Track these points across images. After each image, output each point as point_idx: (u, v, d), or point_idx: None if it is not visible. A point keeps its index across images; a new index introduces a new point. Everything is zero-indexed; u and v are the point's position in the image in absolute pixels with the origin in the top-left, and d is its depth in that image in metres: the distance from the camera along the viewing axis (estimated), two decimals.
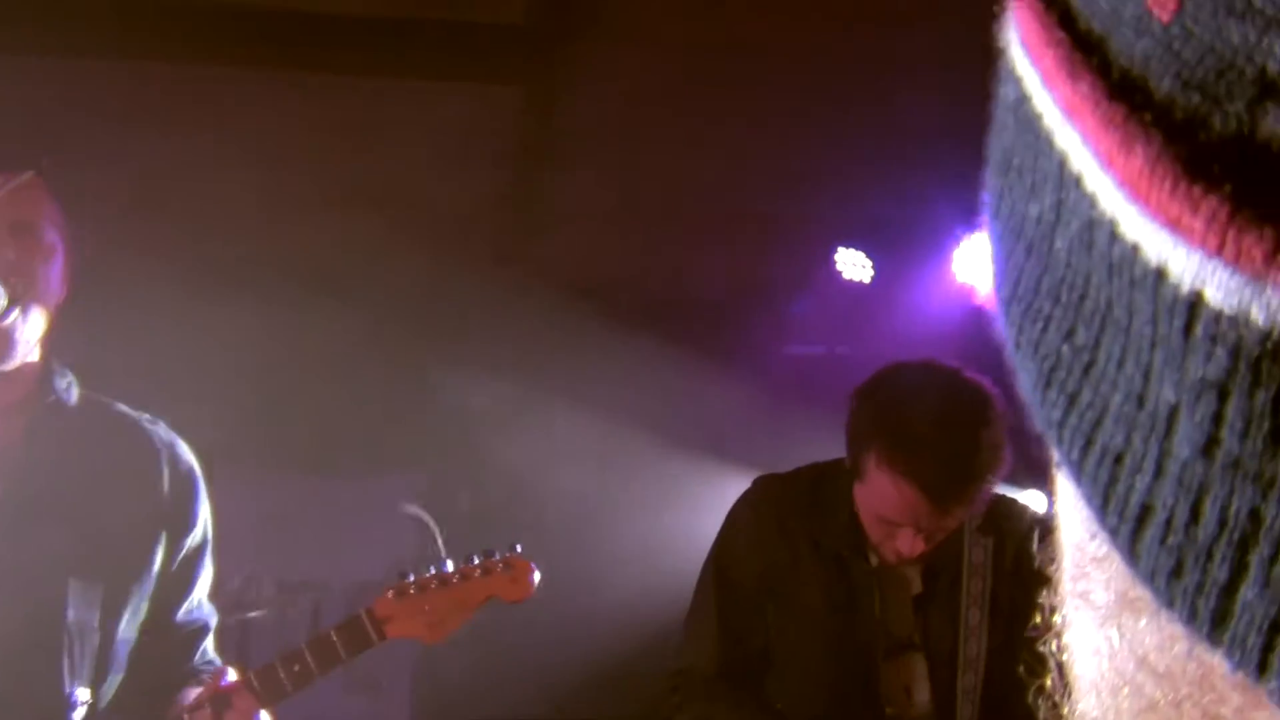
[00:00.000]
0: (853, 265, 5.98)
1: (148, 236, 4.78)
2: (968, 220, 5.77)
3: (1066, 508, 0.39)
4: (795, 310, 6.04)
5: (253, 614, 4.96)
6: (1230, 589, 0.30)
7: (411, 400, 5.69)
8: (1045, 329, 0.35)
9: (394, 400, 5.65)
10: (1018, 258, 0.37)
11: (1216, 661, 0.33)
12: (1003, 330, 0.38)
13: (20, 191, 2.39)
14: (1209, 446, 0.30)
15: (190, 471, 2.65)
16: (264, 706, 2.52)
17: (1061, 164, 0.34)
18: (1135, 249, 0.31)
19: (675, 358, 5.62)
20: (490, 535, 5.60)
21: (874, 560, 2.84)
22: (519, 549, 2.76)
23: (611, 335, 5.58)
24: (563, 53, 4.67)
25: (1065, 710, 0.44)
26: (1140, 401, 0.32)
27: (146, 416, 2.67)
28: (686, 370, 5.69)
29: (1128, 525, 0.32)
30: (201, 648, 2.69)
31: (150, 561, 2.55)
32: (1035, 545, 2.78)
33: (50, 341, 2.52)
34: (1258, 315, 0.29)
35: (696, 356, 5.67)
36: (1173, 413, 0.31)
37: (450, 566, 2.71)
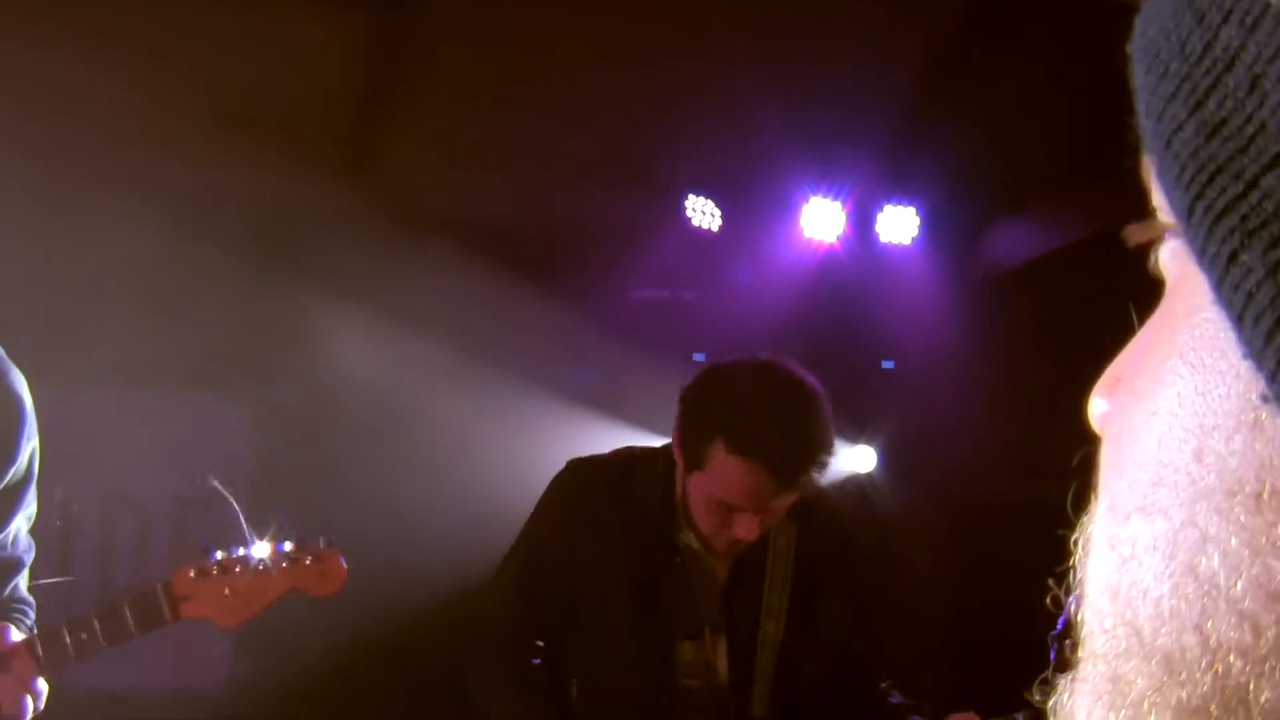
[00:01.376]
0: (702, 213, 6.03)
1: None
2: (815, 179, 5.86)
3: (1203, 425, 0.37)
4: (643, 254, 6.08)
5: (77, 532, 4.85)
6: None
7: (242, 316, 5.60)
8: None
9: (223, 315, 5.55)
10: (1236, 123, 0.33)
11: None
12: (1186, 233, 0.35)
13: None
14: None
15: (18, 401, 2.50)
16: (42, 673, 2.39)
17: None
18: None
19: (518, 293, 5.62)
20: (320, 455, 5.62)
21: (680, 557, 3.01)
22: (332, 540, 2.61)
23: (456, 266, 5.55)
24: None
25: (1072, 610, 0.44)
26: None
27: None
28: (529, 306, 5.69)
29: None
30: (13, 583, 2.54)
31: None
32: (840, 559, 3.08)
33: None
34: None
35: (541, 293, 5.68)
36: None
37: (263, 550, 2.55)
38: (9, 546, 2.53)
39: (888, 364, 6.46)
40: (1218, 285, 0.34)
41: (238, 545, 2.53)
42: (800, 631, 3.01)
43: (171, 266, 5.23)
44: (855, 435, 6.21)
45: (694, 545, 3.02)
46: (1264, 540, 0.35)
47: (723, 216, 6.02)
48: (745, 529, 2.83)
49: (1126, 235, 0.42)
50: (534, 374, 5.62)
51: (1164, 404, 0.39)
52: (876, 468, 6.31)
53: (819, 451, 2.80)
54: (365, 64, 5.15)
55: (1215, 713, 0.36)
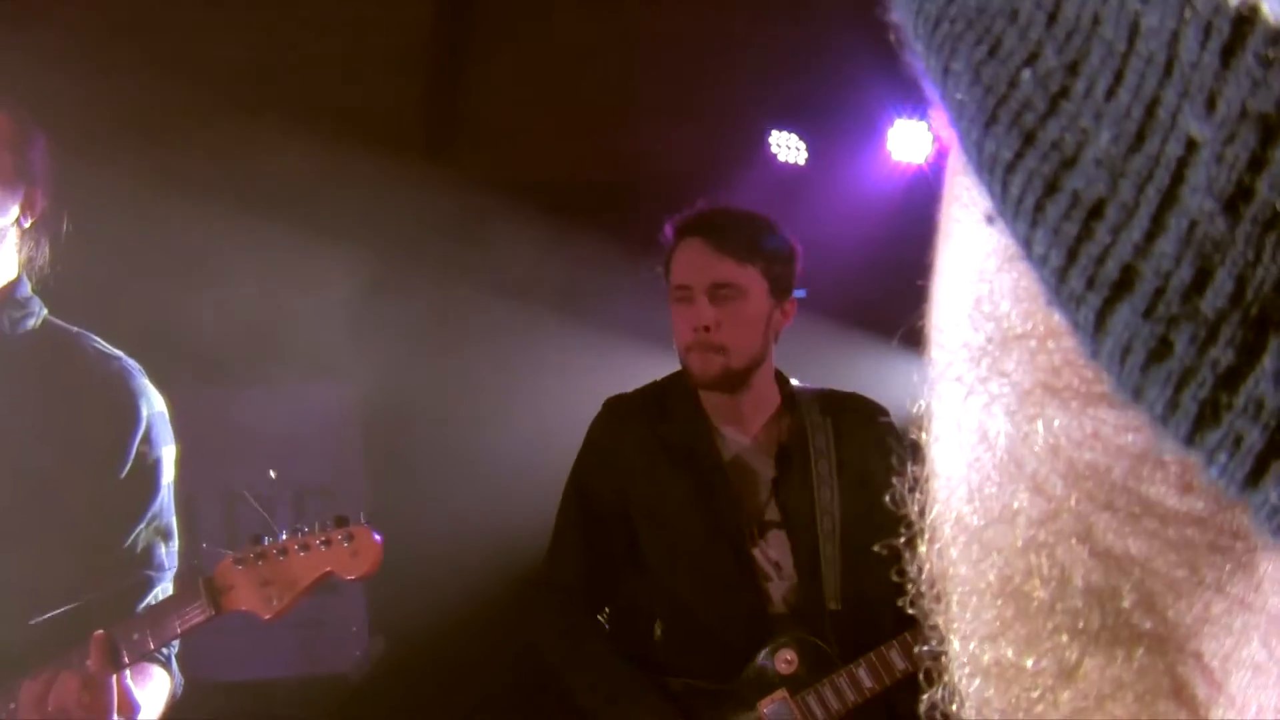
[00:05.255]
0: (787, 148, 5.96)
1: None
2: (900, 100, 5.76)
3: (977, 271, 0.34)
4: (730, 197, 6.02)
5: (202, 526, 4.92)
6: (1233, 378, 0.25)
7: (348, 303, 5.64)
8: (993, 52, 0.29)
9: (331, 305, 5.59)
10: None
11: (1170, 465, 0.30)
12: (916, 54, 0.32)
13: None
14: (1236, 198, 0.25)
15: (134, 409, 2.55)
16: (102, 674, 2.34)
17: None
18: None
19: (612, 246, 5.59)
20: (426, 434, 5.64)
21: (726, 454, 3.14)
22: (362, 519, 2.49)
23: (542, 226, 5.54)
24: None
25: (913, 509, 0.41)
26: (1138, 140, 0.27)
27: (119, 354, 2.60)
28: (624, 258, 5.66)
29: (1098, 292, 0.27)
30: (143, 603, 2.52)
31: (86, 503, 2.48)
32: (875, 435, 3.15)
33: (29, 268, 2.55)
34: None
35: (633, 244, 5.65)
36: (1187, 154, 0.26)
37: (295, 533, 2.46)
38: (135, 558, 2.54)
39: None
40: (942, 104, 0.31)
41: (283, 531, 2.46)
42: (857, 522, 3.07)
43: (276, 264, 5.27)
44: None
45: (738, 443, 3.16)
46: (1029, 385, 0.32)
47: (808, 149, 5.95)
48: (701, 311, 3.02)
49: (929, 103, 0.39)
50: (630, 327, 5.60)
51: (949, 258, 0.37)
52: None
53: (753, 230, 3.10)
54: (428, 35, 5.14)
55: (1016, 590, 0.34)
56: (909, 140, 5.88)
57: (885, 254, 6.01)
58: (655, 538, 3.13)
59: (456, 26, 5.08)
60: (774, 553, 3.09)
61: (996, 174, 0.29)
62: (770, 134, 5.93)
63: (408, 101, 5.59)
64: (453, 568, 5.33)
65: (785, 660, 3.00)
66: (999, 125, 0.29)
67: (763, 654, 3.02)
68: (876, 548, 0.48)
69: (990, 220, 0.32)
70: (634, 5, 4.95)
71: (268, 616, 2.42)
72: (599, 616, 3.19)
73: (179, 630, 2.40)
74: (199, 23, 4.81)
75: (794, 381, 3.31)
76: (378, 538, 2.46)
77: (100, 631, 2.34)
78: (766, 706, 2.99)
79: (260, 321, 5.24)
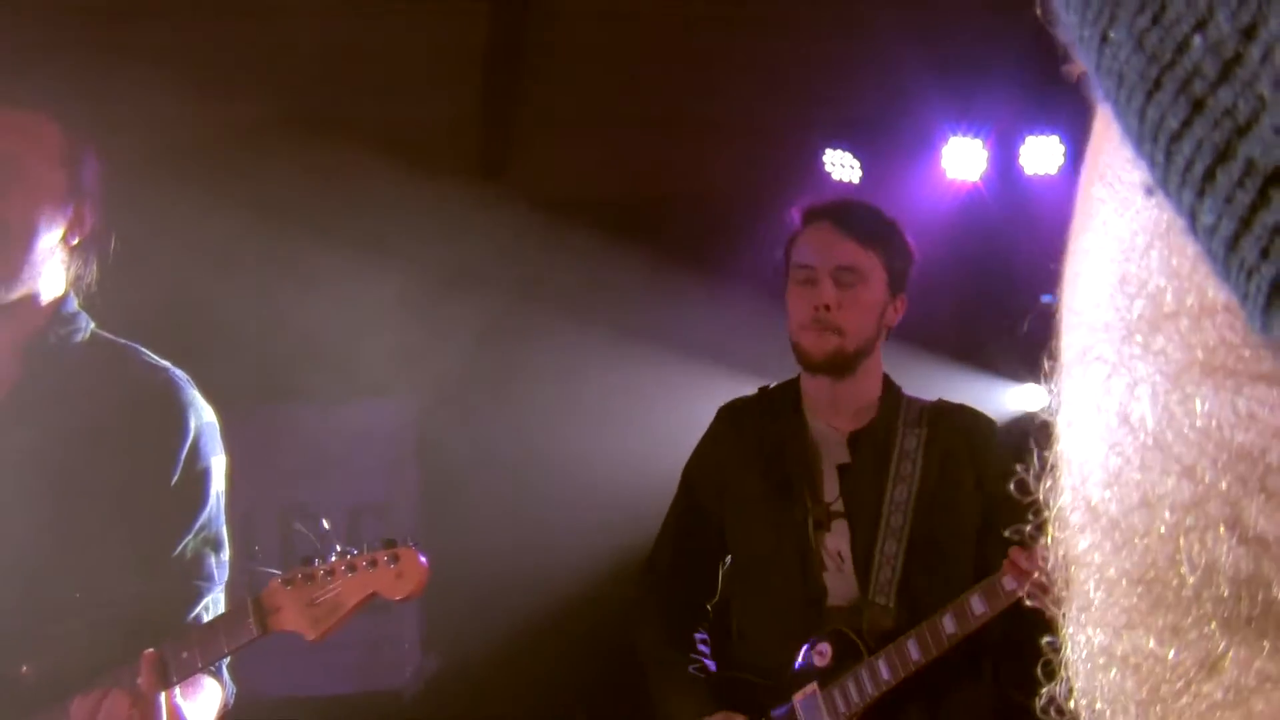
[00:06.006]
0: (841, 166, 5.94)
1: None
2: (954, 117, 5.73)
3: (1124, 248, 0.33)
4: (784, 214, 6.01)
5: (257, 546, 4.94)
6: None
7: (402, 322, 5.66)
8: (1158, 19, 0.28)
9: (385, 323, 5.61)
10: None
11: None
12: (1065, 23, 0.31)
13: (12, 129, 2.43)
14: None
15: (183, 421, 2.56)
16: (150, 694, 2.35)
17: None
18: None
19: (666, 264, 5.59)
20: (481, 451, 5.65)
21: (808, 440, 3.21)
22: (409, 541, 2.45)
23: (601, 245, 5.54)
24: None
25: (1042, 493, 0.40)
26: None
27: (167, 365, 2.62)
28: (680, 278, 5.66)
29: (1275, 261, 0.26)
30: (193, 613, 2.54)
31: (141, 513, 2.50)
32: (971, 454, 3.16)
33: (76, 285, 2.57)
34: None
35: (689, 264, 5.64)
36: None
37: (341, 554, 2.43)
38: (185, 567, 2.55)
39: (1047, 298, 6.28)
40: (1096, 75, 0.30)
41: (331, 552, 2.44)
42: (929, 526, 3.09)
43: (332, 282, 5.30)
44: (1023, 374, 6.07)
45: (819, 430, 3.22)
46: (1181, 365, 0.31)
47: (862, 167, 5.93)
48: (825, 293, 3.10)
49: (1066, 72, 0.37)
50: (684, 344, 5.59)
51: (1091, 237, 0.36)
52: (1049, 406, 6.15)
53: (878, 221, 3.22)
54: (483, 54, 5.16)
55: (1158, 578, 0.33)
56: (963, 158, 5.85)
57: (940, 272, 5.98)
58: (737, 529, 3.22)
59: (511, 47, 5.10)
60: (837, 543, 3.12)
61: (1160, 142, 0.28)
62: (824, 152, 5.91)
63: (463, 121, 5.62)
64: (506, 585, 5.33)
65: (820, 653, 3.04)
66: (1164, 92, 0.28)
67: (806, 647, 3.06)
68: (1007, 533, 0.47)
69: (1149, 191, 0.31)
70: (687, 24, 4.95)
71: (313, 638, 2.41)
72: (698, 602, 3.30)
73: (226, 650, 2.40)
74: (255, 45, 4.85)
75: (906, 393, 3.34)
76: (423, 560, 2.43)
77: (151, 650, 2.35)
78: (799, 699, 3.03)
79: (316, 339, 5.28)
